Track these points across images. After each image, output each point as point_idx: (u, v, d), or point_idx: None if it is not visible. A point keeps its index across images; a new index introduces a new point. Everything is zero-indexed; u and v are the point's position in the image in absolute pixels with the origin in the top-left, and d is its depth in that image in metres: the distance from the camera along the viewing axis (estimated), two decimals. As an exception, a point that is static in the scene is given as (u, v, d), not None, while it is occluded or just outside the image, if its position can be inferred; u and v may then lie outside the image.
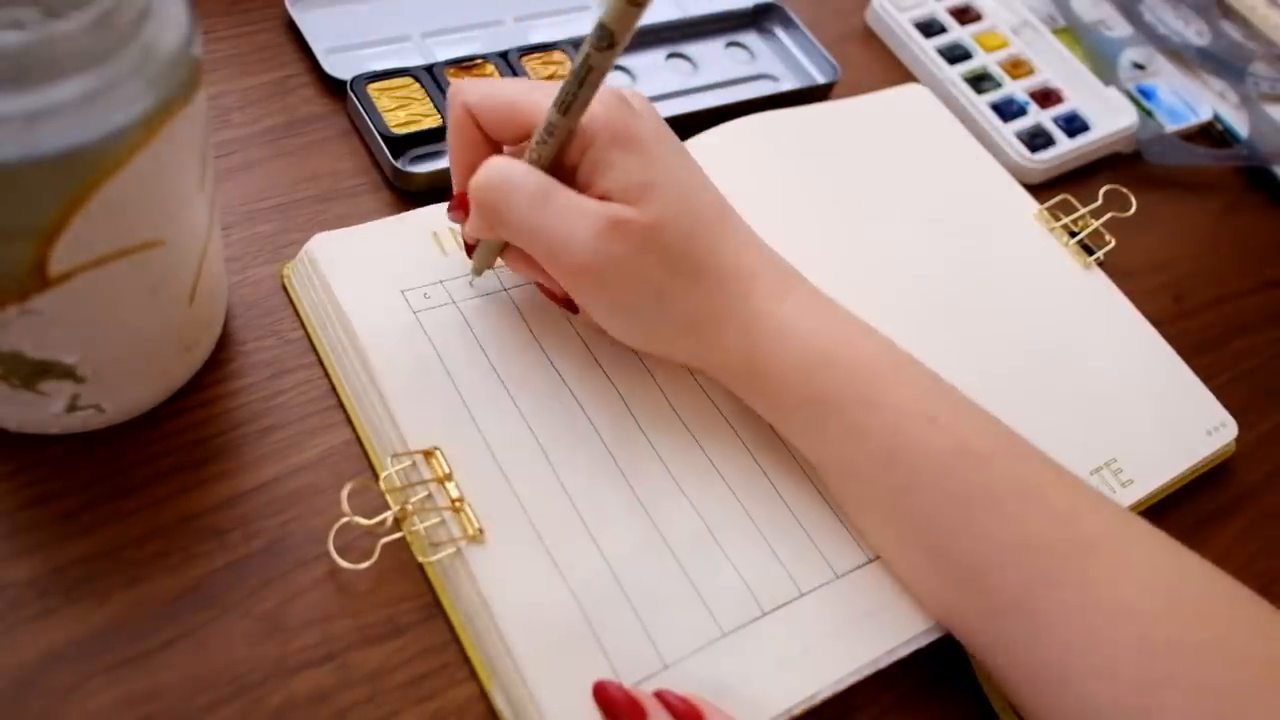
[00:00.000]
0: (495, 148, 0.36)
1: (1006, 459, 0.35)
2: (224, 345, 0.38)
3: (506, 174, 0.34)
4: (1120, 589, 0.32)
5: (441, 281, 0.40)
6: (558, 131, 0.33)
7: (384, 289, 0.39)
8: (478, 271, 0.39)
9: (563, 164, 0.34)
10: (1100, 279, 0.50)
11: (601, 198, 0.34)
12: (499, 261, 0.39)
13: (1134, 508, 0.42)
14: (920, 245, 0.48)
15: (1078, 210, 0.51)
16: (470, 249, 0.39)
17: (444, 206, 0.41)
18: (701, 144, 0.48)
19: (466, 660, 0.34)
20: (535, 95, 0.34)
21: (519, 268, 0.38)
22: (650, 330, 0.36)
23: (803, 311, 0.36)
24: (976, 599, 0.34)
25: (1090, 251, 0.50)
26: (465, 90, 0.35)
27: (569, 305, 0.38)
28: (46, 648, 0.31)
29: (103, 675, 0.31)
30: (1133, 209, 0.52)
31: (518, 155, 0.35)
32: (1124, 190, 0.52)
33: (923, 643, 0.36)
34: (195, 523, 0.34)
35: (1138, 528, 0.34)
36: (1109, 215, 0.51)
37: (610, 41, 0.30)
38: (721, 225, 0.36)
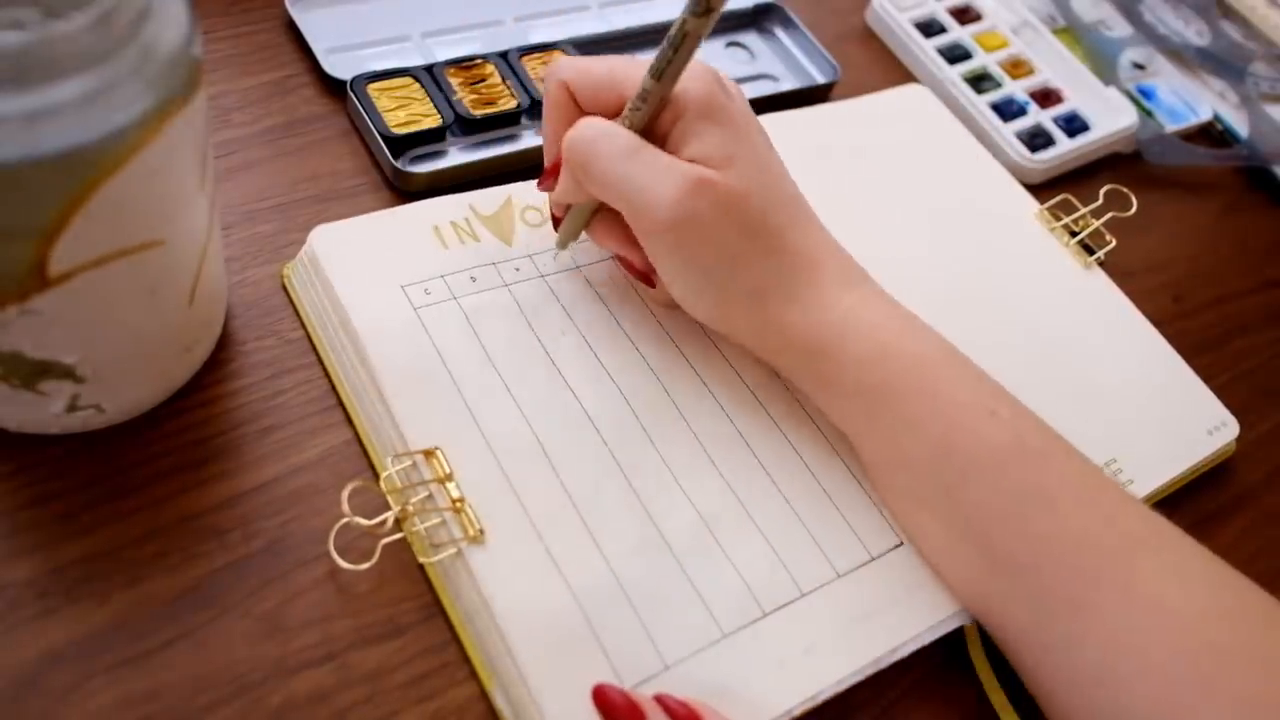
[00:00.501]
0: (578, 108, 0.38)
1: (1060, 457, 0.35)
2: (224, 345, 0.38)
3: (599, 129, 0.35)
4: (1163, 589, 0.33)
5: (443, 276, 0.39)
6: (651, 98, 0.34)
7: (384, 285, 0.38)
8: (562, 244, 0.41)
9: (654, 132, 0.36)
10: (1101, 279, 0.50)
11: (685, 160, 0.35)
12: (582, 235, 0.40)
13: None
14: (921, 246, 0.48)
15: (1078, 210, 0.51)
16: (557, 222, 0.40)
17: (446, 199, 0.42)
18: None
19: (466, 660, 0.34)
20: (630, 67, 0.36)
21: (603, 238, 0.39)
22: (719, 296, 0.37)
23: (867, 304, 0.37)
24: (1022, 594, 0.34)
25: (1091, 251, 0.50)
26: (562, 68, 0.37)
27: (647, 279, 0.39)
28: (46, 648, 0.31)
29: (103, 675, 0.31)
30: (1133, 209, 0.52)
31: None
32: (1124, 190, 0.52)
33: (924, 641, 0.36)
34: (195, 523, 0.34)
35: (1173, 531, 0.35)
36: (1109, 215, 0.51)
37: (707, 7, 0.31)
38: (796, 210, 0.37)
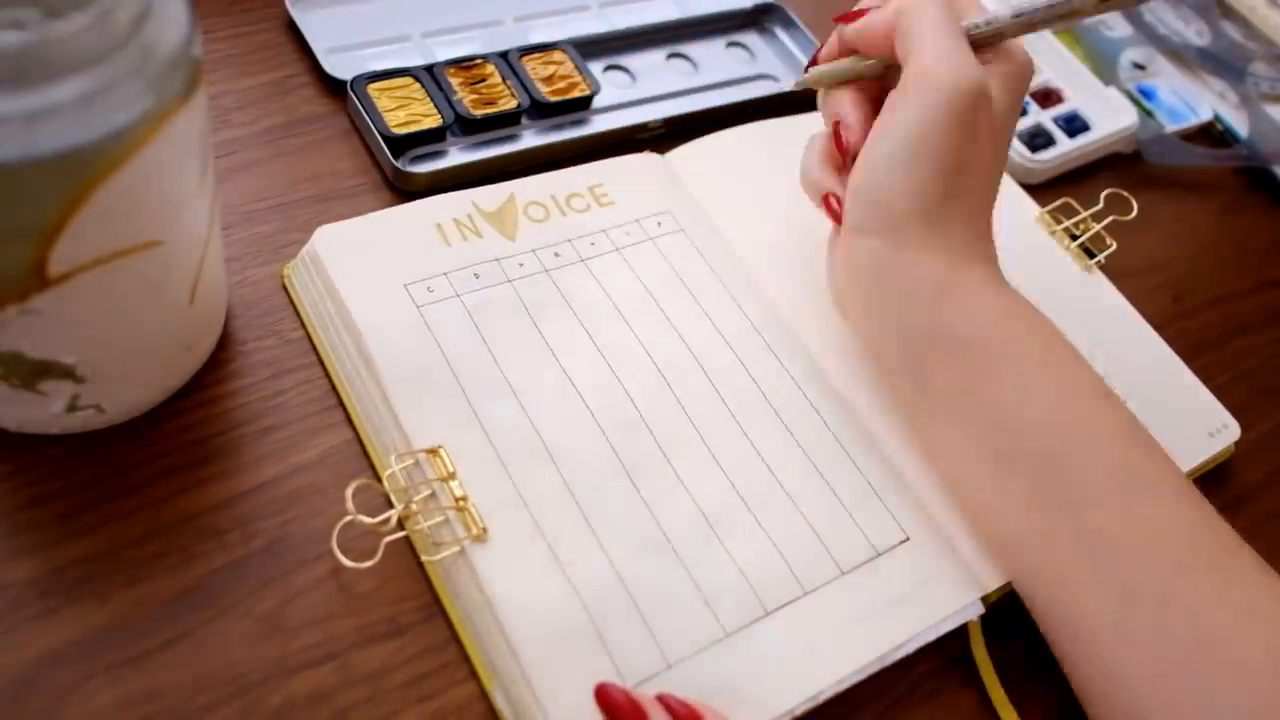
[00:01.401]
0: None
1: (1160, 448, 0.36)
2: (224, 345, 0.38)
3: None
4: (1259, 593, 0.33)
5: (446, 274, 0.39)
6: (997, 29, 0.37)
7: (387, 284, 0.38)
8: (813, 83, 0.41)
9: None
10: (1102, 282, 0.50)
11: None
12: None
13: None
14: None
15: (1079, 214, 0.51)
16: (812, 64, 0.41)
17: (448, 196, 0.42)
18: (701, 148, 0.48)
19: (467, 660, 0.34)
20: None
21: (841, 95, 0.40)
22: (933, 198, 0.37)
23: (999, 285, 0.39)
24: (1108, 576, 0.34)
25: (1091, 255, 0.50)
26: None
27: (838, 216, 0.39)
28: (46, 648, 0.31)
29: (103, 675, 0.31)
30: (1134, 212, 0.52)
31: None
32: (1125, 194, 0.52)
33: (927, 639, 0.36)
34: (195, 523, 0.34)
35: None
36: (1110, 219, 0.51)
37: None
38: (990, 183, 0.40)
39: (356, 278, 0.38)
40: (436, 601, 0.34)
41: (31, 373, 0.31)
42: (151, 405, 0.36)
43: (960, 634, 0.37)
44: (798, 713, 0.33)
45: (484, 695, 0.33)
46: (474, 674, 0.33)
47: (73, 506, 0.34)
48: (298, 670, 0.32)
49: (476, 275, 0.40)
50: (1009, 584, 0.37)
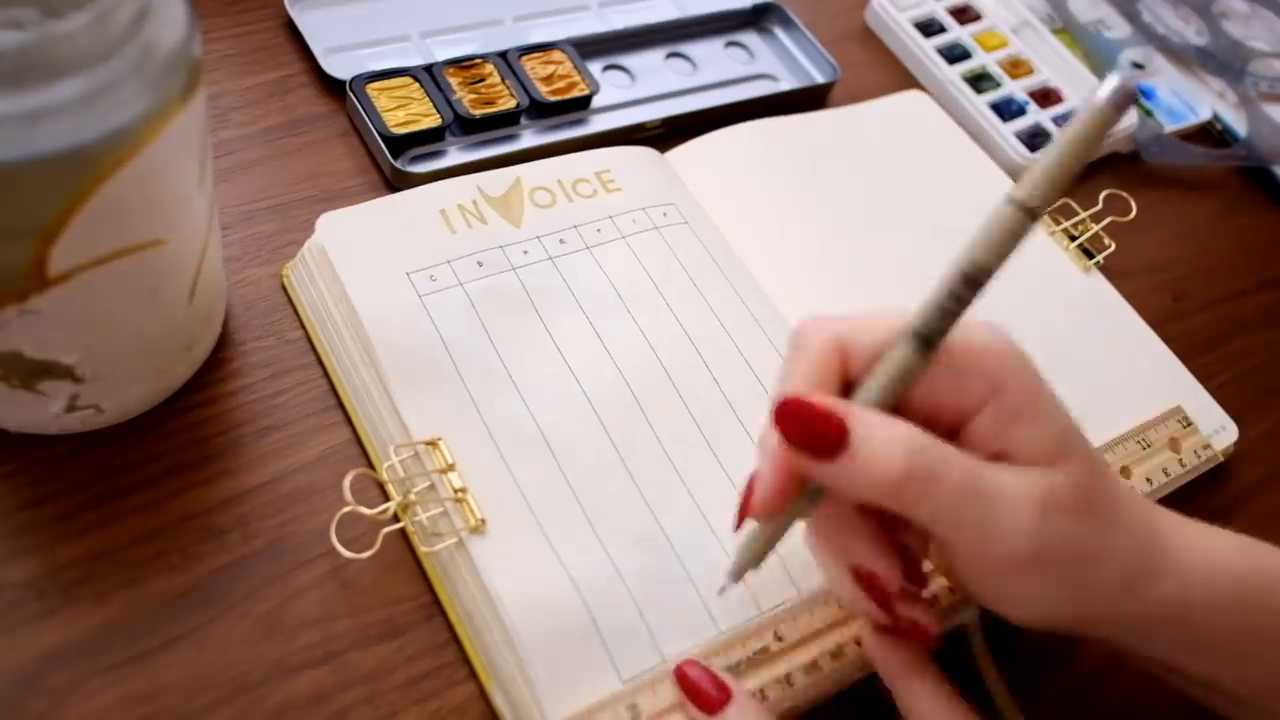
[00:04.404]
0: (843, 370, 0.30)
1: None
2: (223, 345, 0.38)
3: (933, 457, 0.27)
4: None
5: (449, 262, 0.39)
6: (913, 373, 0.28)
7: (390, 272, 0.38)
8: (740, 574, 0.31)
9: (938, 417, 0.29)
10: (1101, 283, 0.50)
11: (1005, 457, 0.29)
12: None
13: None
14: (922, 251, 0.48)
15: (1078, 214, 0.51)
16: (743, 517, 0.31)
17: (453, 181, 0.41)
18: (701, 149, 0.48)
19: (466, 660, 0.34)
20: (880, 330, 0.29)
21: (837, 547, 0.31)
22: (1080, 600, 0.30)
23: (1207, 534, 0.32)
24: None
25: (1090, 255, 0.50)
26: (830, 322, 0.29)
27: (919, 634, 0.32)
28: (46, 648, 0.31)
29: (102, 675, 0.31)
30: (1133, 213, 0.52)
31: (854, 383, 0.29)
32: (1124, 195, 0.52)
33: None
34: (195, 523, 0.34)
35: None
36: (1109, 219, 0.51)
37: (926, 343, 0.28)
38: (1110, 468, 0.31)
39: (359, 266, 0.38)
40: (436, 602, 0.34)
41: (31, 373, 0.31)
42: (151, 405, 0.36)
43: (960, 634, 0.37)
44: (797, 712, 0.33)
45: (483, 695, 0.33)
46: (473, 674, 0.33)
47: (72, 507, 0.34)
48: (297, 670, 0.32)
49: (480, 264, 0.40)
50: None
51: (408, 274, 0.38)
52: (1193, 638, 0.32)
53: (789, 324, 0.42)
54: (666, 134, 0.50)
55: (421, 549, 0.34)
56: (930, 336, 0.28)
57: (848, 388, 0.29)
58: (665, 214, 0.44)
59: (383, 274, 0.38)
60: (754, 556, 0.31)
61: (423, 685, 0.33)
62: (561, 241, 0.41)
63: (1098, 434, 0.43)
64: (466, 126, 0.47)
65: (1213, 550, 0.32)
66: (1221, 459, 0.45)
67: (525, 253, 0.40)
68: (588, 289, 0.40)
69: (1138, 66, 0.64)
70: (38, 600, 0.32)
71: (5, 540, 0.33)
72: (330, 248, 0.38)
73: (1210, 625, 0.32)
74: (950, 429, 0.29)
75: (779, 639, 0.34)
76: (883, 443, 0.27)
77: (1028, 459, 0.29)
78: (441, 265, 0.39)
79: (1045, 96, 0.58)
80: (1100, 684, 0.39)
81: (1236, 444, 0.46)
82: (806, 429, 0.28)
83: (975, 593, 0.31)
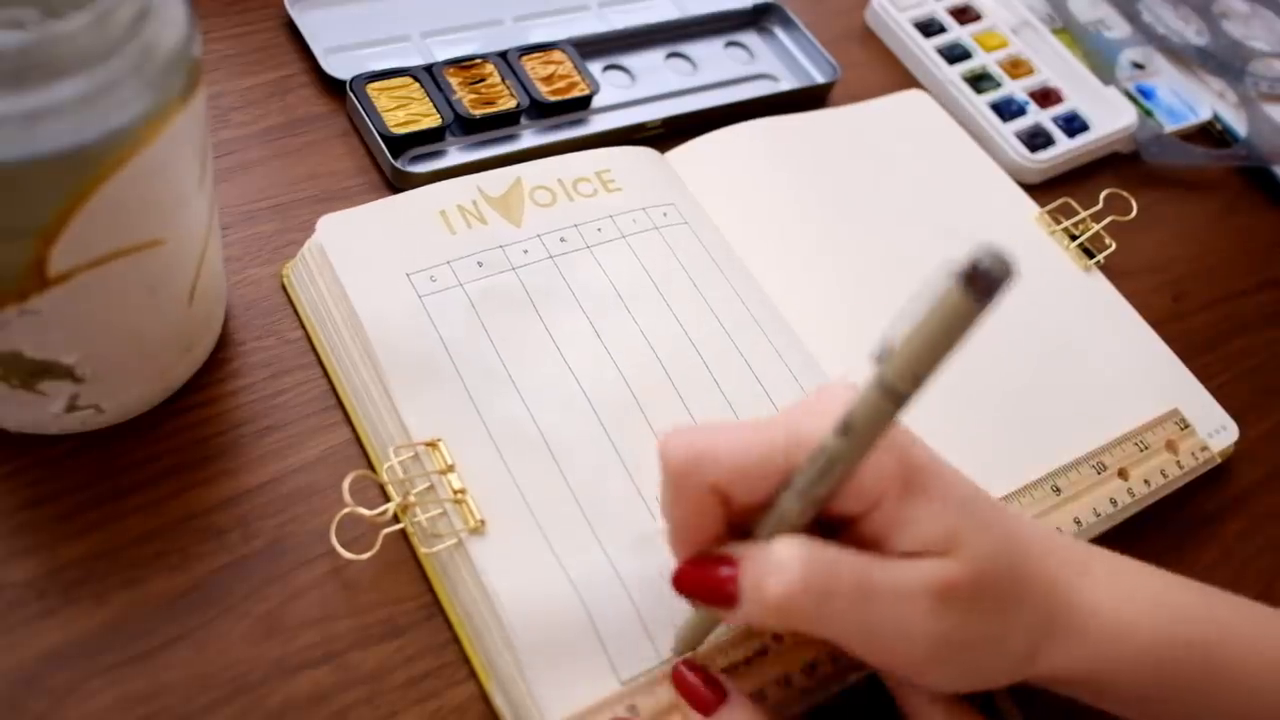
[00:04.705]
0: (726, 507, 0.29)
1: None
2: (223, 345, 0.38)
3: (822, 573, 0.27)
4: None
5: (449, 262, 0.39)
6: (832, 478, 0.26)
7: (389, 273, 0.38)
8: (680, 651, 0.33)
9: (830, 515, 0.29)
10: (1101, 282, 0.50)
11: (900, 545, 0.29)
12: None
13: (1134, 509, 0.42)
14: (922, 251, 0.48)
15: (1078, 214, 0.51)
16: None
17: (453, 182, 0.41)
18: (701, 149, 0.48)
19: (466, 660, 0.34)
20: (789, 443, 0.28)
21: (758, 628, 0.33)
22: (980, 677, 0.31)
23: (1122, 591, 0.32)
24: None
25: (1091, 255, 0.50)
26: (703, 464, 0.28)
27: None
28: (46, 648, 0.31)
29: (102, 675, 0.31)
30: (1133, 213, 0.52)
31: (755, 511, 0.29)
32: (1124, 194, 0.52)
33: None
34: (195, 523, 0.34)
35: None
36: (1109, 219, 0.51)
37: (845, 428, 0.25)
38: (1018, 539, 0.31)
39: (359, 267, 0.38)
40: (436, 602, 0.34)
41: (31, 373, 0.31)
42: (151, 405, 0.36)
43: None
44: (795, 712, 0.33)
45: (483, 695, 0.33)
46: (473, 674, 0.33)
47: (72, 507, 0.34)
48: (297, 670, 0.32)
49: (480, 264, 0.40)
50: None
51: (408, 274, 0.38)
52: (1102, 693, 0.33)
53: (789, 324, 0.42)
54: (666, 134, 0.50)
55: (421, 550, 0.34)
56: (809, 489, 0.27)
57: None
58: (665, 214, 0.44)
59: (382, 275, 0.38)
60: (692, 641, 0.33)
61: (423, 685, 0.33)
62: (562, 240, 0.41)
63: (1097, 434, 0.43)
64: (466, 126, 0.47)
65: (1122, 611, 0.32)
66: (1219, 460, 0.45)
67: (525, 252, 0.40)
68: (588, 289, 0.40)
69: (1138, 66, 0.64)
70: (38, 600, 0.32)
71: (5, 540, 0.33)
72: (330, 248, 0.38)
73: (1116, 684, 0.32)
74: (838, 528, 0.29)
75: (778, 640, 0.34)
76: (773, 582, 0.27)
77: (922, 546, 0.28)
78: (441, 266, 0.39)
79: (1045, 96, 0.58)
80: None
81: (1237, 444, 0.46)
82: (704, 593, 0.29)
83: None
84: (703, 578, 0.29)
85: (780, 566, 0.27)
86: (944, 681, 0.30)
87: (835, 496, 0.28)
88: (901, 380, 0.23)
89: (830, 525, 0.29)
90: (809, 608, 0.27)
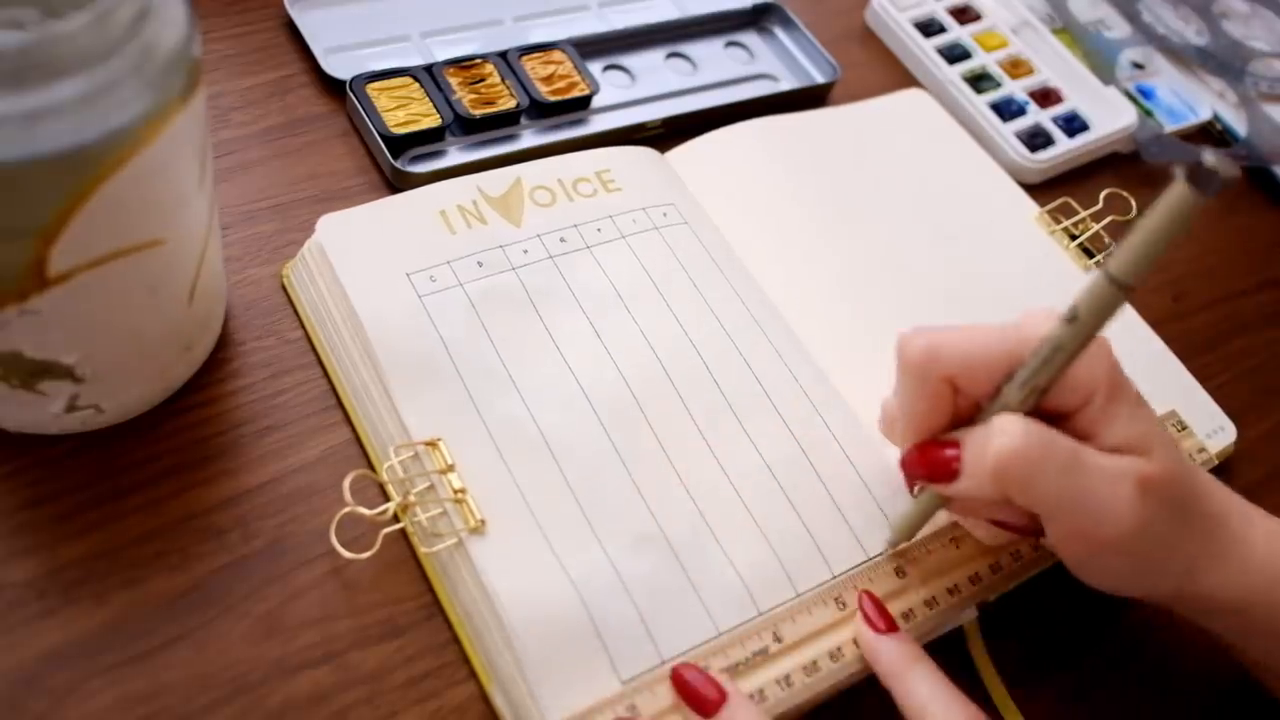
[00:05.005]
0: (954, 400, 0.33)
1: None
2: (223, 345, 0.38)
3: (1039, 441, 0.30)
4: None
5: (449, 262, 0.39)
6: (1054, 366, 0.30)
7: (389, 273, 0.38)
8: (896, 542, 0.36)
9: (1044, 410, 0.32)
10: (1100, 279, 0.50)
11: (1100, 448, 0.32)
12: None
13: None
14: (922, 250, 0.48)
15: (1078, 213, 0.51)
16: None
17: (453, 182, 0.41)
18: (701, 149, 0.48)
19: (466, 660, 0.34)
20: (1015, 338, 0.31)
21: (972, 513, 0.36)
22: (1146, 578, 0.34)
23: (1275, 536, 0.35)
24: None
25: (1091, 254, 0.50)
26: (939, 356, 0.32)
27: (1029, 531, 0.35)
28: (46, 648, 0.31)
29: (102, 675, 0.31)
30: (1133, 212, 0.52)
31: (981, 402, 0.32)
32: (1124, 194, 0.52)
33: (923, 641, 0.36)
34: (195, 523, 0.34)
35: None
36: (1109, 218, 0.51)
37: (1073, 314, 0.29)
38: (1191, 464, 0.34)
39: (359, 267, 0.38)
40: (436, 602, 0.34)
41: (31, 373, 0.31)
42: (151, 405, 0.36)
43: (959, 634, 0.37)
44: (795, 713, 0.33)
45: (483, 695, 0.33)
46: (473, 674, 0.33)
47: (72, 507, 0.34)
48: (297, 670, 0.32)
49: (479, 264, 0.40)
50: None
51: (407, 275, 0.38)
52: (1249, 625, 0.35)
53: (789, 324, 0.42)
54: (666, 134, 0.50)
55: (421, 549, 0.34)
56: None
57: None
58: (665, 214, 0.44)
59: (382, 275, 0.38)
60: (907, 530, 0.36)
61: (423, 685, 0.33)
62: (562, 240, 0.41)
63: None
64: (466, 126, 0.47)
65: (1275, 542, 0.34)
66: (1217, 462, 0.45)
67: (525, 252, 0.40)
68: (588, 289, 0.40)
69: (1138, 66, 0.64)
70: (38, 600, 0.32)
71: (5, 540, 0.33)
72: (330, 248, 0.38)
73: (1267, 614, 0.34)
74: (1051, 422, 0.31)
75: (778, 639, 0.34)
76: (995, 444, 0.30)
77: (1124, 442, 0.31)
78: (441, 266, 0.39)
79: (1045, 96, 0.58)
80: (1100, 684, 0.39)
81: (1236, 444, 0.46)
82: (928, 471, 0.33)
83: (1063, 558, 0.34)
84: (930, 457, 0.32)
85: (1002, 431, 0.30)
86: (1116, 570, 0.33)
87: (1054, 387, 0.31)
88: (1123, 272, 0.27)
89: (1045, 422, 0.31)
90: (1026, 471, 0.30)
